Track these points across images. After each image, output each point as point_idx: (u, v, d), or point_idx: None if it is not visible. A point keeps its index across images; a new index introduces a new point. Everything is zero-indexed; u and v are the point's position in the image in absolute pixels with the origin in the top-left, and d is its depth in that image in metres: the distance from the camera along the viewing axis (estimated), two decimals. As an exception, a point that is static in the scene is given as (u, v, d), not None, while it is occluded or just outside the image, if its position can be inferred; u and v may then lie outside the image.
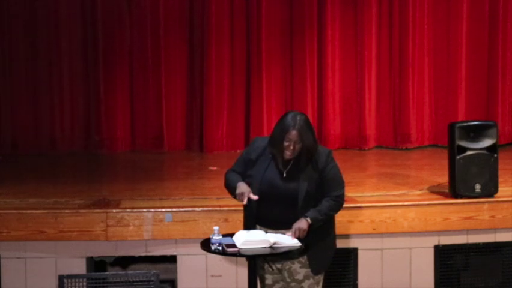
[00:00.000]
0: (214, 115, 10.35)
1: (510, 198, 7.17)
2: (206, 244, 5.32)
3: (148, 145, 10.46)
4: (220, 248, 5.22)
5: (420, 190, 7.62)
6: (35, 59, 10.27)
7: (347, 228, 6.89)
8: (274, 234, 5.29)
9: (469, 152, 7.15)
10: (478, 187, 7.12)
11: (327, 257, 5.52)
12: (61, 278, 5.59)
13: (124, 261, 7.14)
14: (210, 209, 6.90)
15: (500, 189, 7.23)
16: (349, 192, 6.95)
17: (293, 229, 5.27)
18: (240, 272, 6.81)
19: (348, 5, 10.42)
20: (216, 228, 5.31)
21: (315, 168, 5.35)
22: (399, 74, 10.48)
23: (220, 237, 5.28)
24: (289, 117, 5.31)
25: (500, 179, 7.26)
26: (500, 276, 7.23)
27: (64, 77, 10.35)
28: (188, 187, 8.09)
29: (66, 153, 10.26)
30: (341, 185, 5.45)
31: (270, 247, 5.20)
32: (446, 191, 7.34)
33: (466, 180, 7.13)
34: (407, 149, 10.44)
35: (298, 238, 5.27)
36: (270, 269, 5.48)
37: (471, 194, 7.13)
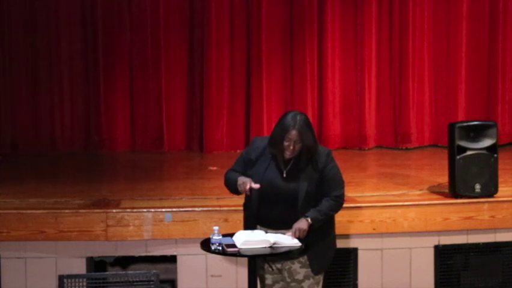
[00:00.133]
0: (214, 115, 10.35)
1: (510, 198, 7.17)
2: (206, 244, 5.32)
3: (148, 145, 10.46)
4: (220, 248, 5.22)
5: (420, 190, 7.63)
6: (35, 59, 10.27)
7: (347, 228, 6.89)
8: (274, 234, 5.29)
9: (469, 152, 7.15)
10: (478, 187, 7.12)
11: (327, 257, 5.52)
12: (61, 278, 5.59)
13: (124, 261, 7.14)
14: (210, 209, 6.90)
15: (500, 189, 7.23)
16: (349, 192, 6.95)
17: (293, 229, 5.27)
18: (240, 272, 6.81)
19: (348, 5, 10.42)
20: (216, 228, 5.31)
21: (315, 168, 5.36)
22: (399, 74, 10.48)
23: (220, 237, 5.28)
24: (289, 117, 5.31)
25: (500, 179, 7.26)
26: (500, 276, 7.23)
27: (64, 77, 10.35)
28: (188, 187, 8.09)
29: (66, 153, 10.25)
30: (341, 185, 5.45)
31: (270, 247, 5.21)
32: (446, 191, 7.35)
33: (466, 180, 7.13)
34: (407, 149, 10.44)
35: (298, 238, 5.27)
36: (270, 269, 5.48)
37: (471, 194, 7.13)
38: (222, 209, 6.88)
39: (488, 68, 10.53)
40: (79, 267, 6.84)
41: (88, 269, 6.89)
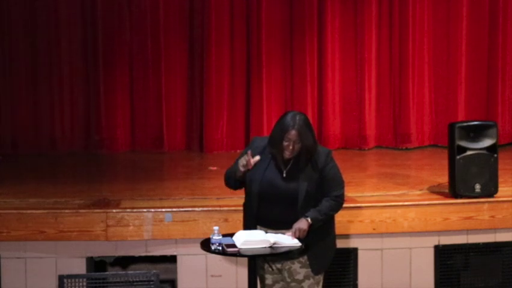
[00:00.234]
0: (214, 115, 10.35)
1: (510, 198, 7.17)
2: (206, 244, 5.32)
3: (148, 145, 10.46)
4: (220, 248, 5.22)
5: (420, 190, 7.62)
6: (35, 59, 10.27)
7: (347, 228, 6.89)
8: (274, 234, 5.29)
9: (469, 152, 7.15)
10: (478, 187, 7.12)
11: (327, 257, 5.52)
12: (61, 278, 5.59)
13: (124, 261, 7.14)
14: (210, 209, 6.90)
15: (500, 189, 7.23)
16: (349, 192, 6.95)
17: (293, 229, 5.28)
18: (240, 272, 6.81)
19: (348, 5, 10.42)
20: (216, 228, 5.31)
21: (314, 168, 5.36)
22: (399, 74, 10.48)
23: (220, 237, 5.28)
24: (289, 117, 5.31)
25: (500, 179, 7.26)
26: (500, 276, 7.23)
27: (63, 77, 10.35)
28: (188, 187, 8.09)
29: (66, 153, 10.25)
30: (340, 185, 5.45)
31: (270, 247, 5.20)
32: (446, 191, 7.35)
33: (466, 180, 7.13)
34: (407, 149, 10.44)
35: (298, 238, 5.27)
36: (270, 269, 5.48)
37: (471, 194, 7.13)
38: (222, 209, 6.88)
39: (488, 68, 10.53)
40: (79, 267, 6.84)
41: (88, 269, 6.89)
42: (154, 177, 8.77)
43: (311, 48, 10.40)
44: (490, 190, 7.16)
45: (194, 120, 10.49)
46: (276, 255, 5.31)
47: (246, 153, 5.50)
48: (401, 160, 9.72)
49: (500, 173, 7.26)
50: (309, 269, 5.43)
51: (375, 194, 7.55)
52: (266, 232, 5.32)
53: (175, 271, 6.97)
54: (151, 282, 5.60)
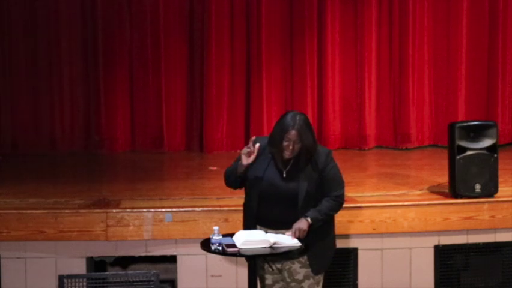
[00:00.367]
0: (214, 115, 10.35)
1: (510, 198, 7.17)
2: (206, 244, 5.32)
3: (148, 145, 10.46)
4: (220, 248, 5.22)
5: (420, 190, 7.62)
6: (35, 59, 10.27)
7: (347, 228, 6.89)
8: (274, 234, 5.29)
9: (469, 152, 7.15)
10: (478, 187, 7.12)
11: (327, 257, 5.52)
12: (61, 278, 5.59)
13: (124, 261, 7.14)
14: (210, 209, 6.90)
15: (500, 189, 7.23)
16: (349, 192, 6.95)
17: (293, 229, 5.27)
18: (240, 272, 6.81)
19: (348, 5, 10.42)
20: (216, 228, 5.31)
21: (314, 168, 5.35)
22: (399, 74, 10.48)
23: (220, 237, 5.27)
24: (289, 117, 5.31)
25: (500, 179, 7.26)
26: (500, 276, 7.23)
27: (64, 77, 10.35)
28: (188, 187, 8.09)
29: (66, 153, 10.26)
30: (340, 185, 5.45)
31: (270, 247, 5.20)
32: (446, 191, 7.34)
33: (466, 180, 7.13)
34: (407, 149, 10.44)
35: (298, 238, 5.27)
36: (270, 269, 5.48)
37: (471, 194, 7.13)
38: (222, 209, 6.88)
39: (488, 68, 10.53)
40: (79, 267, 6.84)
41: (88, 269, 6.89)
42: (154, 177, 8.77)
43: (311, 48, 10.40)
44: (490, 190, 7.16)
45: (194, 120, 10.49)
46: (276, 255, 5.31)
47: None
48: (401, 160, 9.72)
49: (500, 173, 7.26)
50: (309, 269, 5.43)
51: (375, 194, 7.55)
52: (266, 232, 5.32)
53: (175, 271, 6.97)
54: (151, 282, 5.60)
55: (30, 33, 10.26)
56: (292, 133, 5.26)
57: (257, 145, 5.30)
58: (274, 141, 5.32)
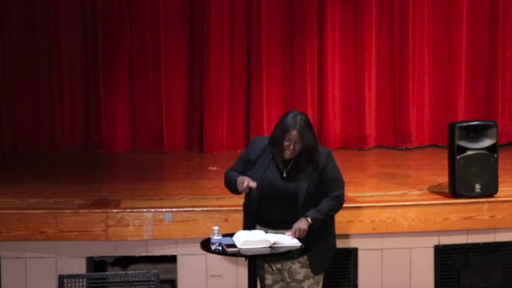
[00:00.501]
0: (214, 115, 10.35)
1: (510, 198, 7.18)
2: (206, 244, 5.32)
3: (148, 145, 10.46)
4: (220, 248, 5.22)
5: (420, 190, 7.62)
6: (35, 59, 10.27)
7: (347, 228, 6.89)
8: (274, 234, 5.29)
9: (469, 152, 7.15)
10: (478, 187, 7.12)
11: (327, 257, 5.52)
12: (61, 278, 5.59)
13: (124, 261, 7.14)
14: (210, 209, 6.90)
15: (500, 189, 7.23)
16: (349, 192, 6.95)
17: (293, 229, 5.27)
18: (240, 272, 6.81)
19: (348, 5, 10.42)
20: (216, 228, 5.31)
21: (315, 168, 5.36)
22: (399, 74, 10.48)
23: (220, 237, 5.28)
24: (290, 117, 5.31)
25: (500, 179, 7.26)
26: (500, 276, 7.23)
27: (64, 77, 10.35)
28: (188, 187, 8.09)
29: (66, 153, 10.25)
30: (340, 185, 5.45)
31: (270, 247, 5.21)
32: (446, 191, 7.34)
33: (466, 180, 7.13)
34: (407, 149, 10.43)
35: (298, 238, 5.27)
36: (270, 269, 5.48)
37: (471, 194, 7.13)
38: (222, 209, 6.88)
39: (488, 68, 10.52)
40: (79, 267, 6.84)
41: (88, 269, 6.89)
42: (154, 177, 8.77)
43: (311, 48, 10.40)
44: (490, 190, 7.16)
45: (194, 120, 10.49)
46: (276, 255, 5.31)
47: (246, 153, 5.52)
48: (401, 160, 9.71)
49: (500, 173, 7.26)
50: (309, 269, 5.43)
51: (375, 194, 7.55)
52: (266, 232, 5.32)
53: (175, 271, 6.97)
54: (151, 282, 5.60)
55: (30, 33, 10.25)
56: (293, 133, 5.26)
57: (253, 184, 5.28)
58: (275, 141, 5.32)
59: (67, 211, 6.85)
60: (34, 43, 10.26)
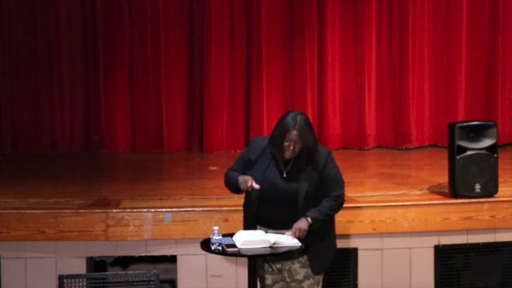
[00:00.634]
0: (214, 115, 10.35)
1: (510, 198, 7.17)
2: (206, 244, 5.32)
3: (148, 145, 10.46)
4: (220, 248, 5.22)
5: (420, 190, 7.62)
6: (35, 59, 10.27)
7: (347, 228, 6.89)
8: (274, 234, 5.29)
9: (469, 152, 7.15)
10: (478, 187, 7.12)
11: (327, 257, 5.52)
12: (61, 278, 5.59)
13: (124, 261, 7.14)
14: (210, 209, 6.90)
15: (500, 189, 7.23)
16: (349, 192, 6.95)
17: (293, 229, 5.27)
18: (240, 272, 6.81)
19: (348, 5, 10.42)
20: (216, 228, 5.31)
21: (315, 168, 5.36)
22: (399, 74, 10.48)
23: (220, 237, 5.27)
24: (290, 117, 5.31)
25: (500, 179, 7.26)
26: (500, 276, 7.23)
27: (64, 77, 10.35)
28: (188, 187, 8.09)
29: (66, 153, 10.25)
30: (341, 185, 5.45)
31: (270, 247, 5.20)
32: (446, 191, 7.34)
33: (466, 180, 7.13)
34: (407, 149, 10.44)
35: (298, 238, 5.27)
36: (270, 269, 5.48)
37: (471, 194, 7.13)
38: (222, 209, 6.88)
39: (488, 68, 10.53)
40: (79, 267, 6.84)
41: (88, 269, 6.89)
42: (154, 177, 8.77)
43: (311, 48, 10.40)
44: (490, 190, 7.16)
45: (194, 120, 10.49)
46: (276, 255, 5.30)
47: (246, 153, 5.51)
48: (401, 160, 9.72)
49: (500, 173, 7.26)
50: (309, 269, 5.43)
51: (375, 194, 7.55)
52: (266, 232, 5.32)
53: (175, 271, 6.97)
54: (151, 282, 5.60)
55: (30, 33, 10.26)
56: (293, 133, 5.26)
57: (256, 186, 5.28)
58: (275, 142, 5.32)
59: (67, 211, 6.85)
60: (34, 43, 10.26)
